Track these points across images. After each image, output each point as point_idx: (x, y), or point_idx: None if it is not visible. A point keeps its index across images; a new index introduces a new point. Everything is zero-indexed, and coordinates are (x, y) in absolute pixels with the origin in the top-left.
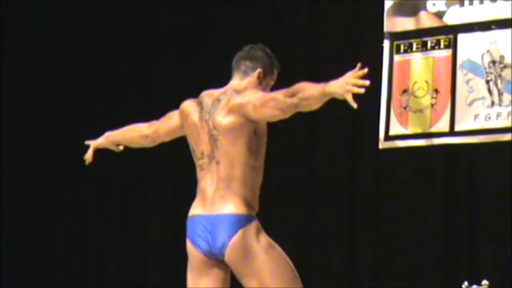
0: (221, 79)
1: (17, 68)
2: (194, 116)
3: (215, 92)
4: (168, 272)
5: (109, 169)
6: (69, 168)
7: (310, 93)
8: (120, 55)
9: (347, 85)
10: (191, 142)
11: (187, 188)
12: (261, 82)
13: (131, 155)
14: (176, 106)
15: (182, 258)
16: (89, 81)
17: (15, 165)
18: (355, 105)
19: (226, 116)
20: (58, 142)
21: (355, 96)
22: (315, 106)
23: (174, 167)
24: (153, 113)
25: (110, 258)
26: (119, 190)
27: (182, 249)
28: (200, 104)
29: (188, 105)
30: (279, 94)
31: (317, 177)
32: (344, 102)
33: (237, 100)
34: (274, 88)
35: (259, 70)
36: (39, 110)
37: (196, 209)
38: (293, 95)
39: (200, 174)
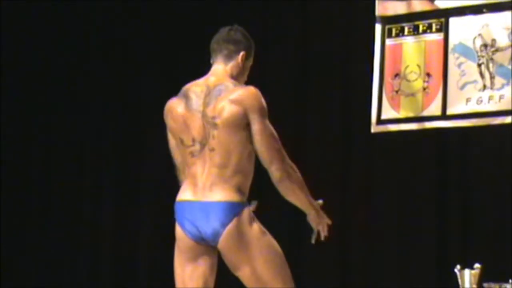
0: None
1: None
2: (179, 108)
3: (206, 82)
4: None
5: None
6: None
7: (301, 191)
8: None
9: (320, 225)
10: (177, 132)
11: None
12: (243, 65)
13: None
14: None
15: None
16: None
17: (14, 164)
18: (313, 241)
19: (231, 106)
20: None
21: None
22: (290, 198)
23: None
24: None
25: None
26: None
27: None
28: (186, 96)
29: (171, 102)
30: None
31: (311, 160)
32: (336, 87)
33: (244, 97)
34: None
35: (242, 53)
36: (39, 107)
37: (186, 194)
38: (290, 167)
39: (190, 160)
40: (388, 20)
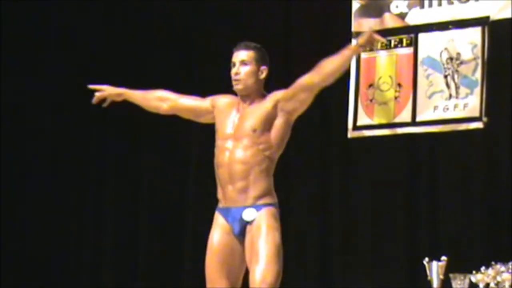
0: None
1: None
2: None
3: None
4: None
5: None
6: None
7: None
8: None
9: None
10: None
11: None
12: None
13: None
14: None
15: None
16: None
17: (13, 162)
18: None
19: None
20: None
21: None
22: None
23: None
24: None
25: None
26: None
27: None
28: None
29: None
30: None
31: (292, 163)
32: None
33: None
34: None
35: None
36: (39, 105)
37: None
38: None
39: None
40: None
